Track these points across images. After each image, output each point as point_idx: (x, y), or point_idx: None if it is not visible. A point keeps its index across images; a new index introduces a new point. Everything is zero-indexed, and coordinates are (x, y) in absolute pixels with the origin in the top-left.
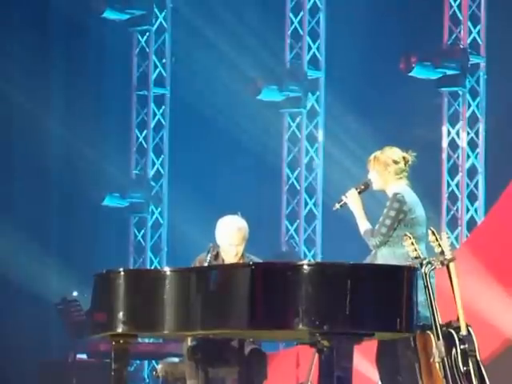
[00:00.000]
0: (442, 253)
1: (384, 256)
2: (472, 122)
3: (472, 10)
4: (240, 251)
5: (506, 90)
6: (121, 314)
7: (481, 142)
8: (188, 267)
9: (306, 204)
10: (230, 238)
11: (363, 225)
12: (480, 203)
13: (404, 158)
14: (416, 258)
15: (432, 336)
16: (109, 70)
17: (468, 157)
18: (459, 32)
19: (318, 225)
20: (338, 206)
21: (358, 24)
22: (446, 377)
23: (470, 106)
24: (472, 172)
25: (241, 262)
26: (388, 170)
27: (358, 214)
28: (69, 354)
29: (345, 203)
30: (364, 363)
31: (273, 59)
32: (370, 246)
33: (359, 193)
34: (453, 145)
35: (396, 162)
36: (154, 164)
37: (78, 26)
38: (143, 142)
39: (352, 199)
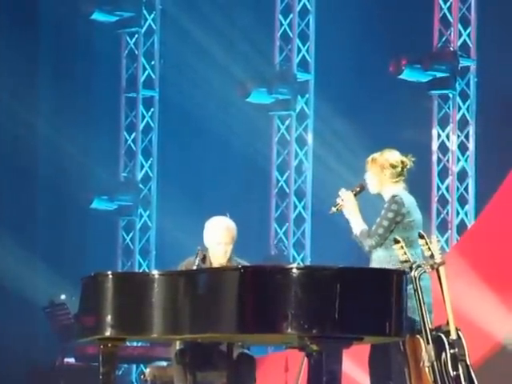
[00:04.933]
0: (432, 256)
1: (379, 258)
2: (462, 124)
3: (462, 13)
4: (228, 251)
5: (497, 93)
6: (109, 318)
7: (471, 145)
8: (177, 270)
9: (295, 207)
10: (219, 236)
11: (359, 225)
12: (470, 207)
13: (402, 162)
14: (405, 261)
15: (421, 340)
16: (97, 72)
17: (458, 160)
18: (449, 34)
19: (307, 228)
20: (334, 209)
21: (347, 26)
22: (435, 381)
23: (460, 108)
24: (462, 175)
25: (228, 264)
26: (384, 173)
27: (355, 215)
28: (56, 358)
29: (342, 206)
30: (353, 367)
31: (262, 61)
32: (366, 246)
33: (355, 195)
34: (443, 148)
35: (393, 166)
36: (142, 167)
37: (66, 27)
38: (132, 145)
39: (348, 201)
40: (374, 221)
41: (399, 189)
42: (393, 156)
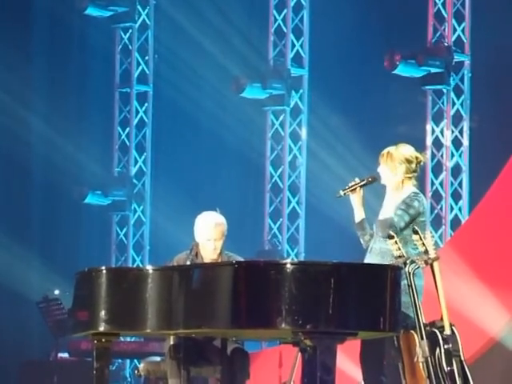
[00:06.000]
0: (426, 252)
1: (382, 251)
2: (456, 120)
3: (456, 8)
4: (218, 246)
5: (491, 88)
6: (103, 313)
7: (465, 140)
8: (171, 266)
9: (289, 202)
10: (209, 232)
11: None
12: (464, 202)
13: (417, 158)
14: (399, 257)
15: (416, 335)
16: (91, 67)
17: (452, 155)
18: (443, 30)
19: (301, 223)
20: (341, 193)
21: (341, 21)
22: (429, 377)
23: (454, 104)
24: (456, 171)
25: (219, 259)
26: (399, 168)
27: (357, 207)
28: (50, 353)
29: (351, 191)
30: (347, 362)
31: (256, 57)
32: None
33: (364, 185)
34: (437, 143)
35: (408, 161)
36: (136, 162)
37: (60, 22)
38: (126, 140)
39: (354, 193)
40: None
41: (412, 186)
42: (408, 151)
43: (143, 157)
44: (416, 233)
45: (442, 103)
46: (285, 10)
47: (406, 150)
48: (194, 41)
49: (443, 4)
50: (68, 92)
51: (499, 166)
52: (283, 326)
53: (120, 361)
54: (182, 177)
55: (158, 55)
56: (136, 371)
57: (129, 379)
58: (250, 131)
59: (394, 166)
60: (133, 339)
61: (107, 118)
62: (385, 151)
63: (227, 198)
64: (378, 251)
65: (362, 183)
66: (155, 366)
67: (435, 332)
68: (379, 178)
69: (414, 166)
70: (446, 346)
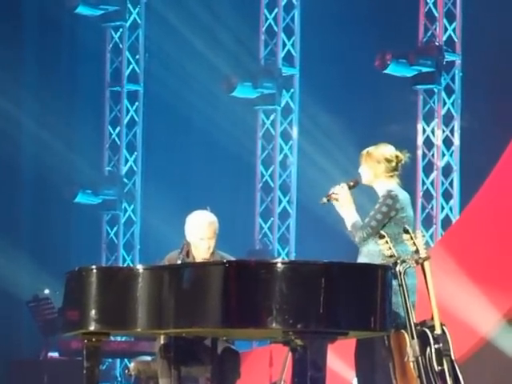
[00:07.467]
0: (417, 251)
1: (369, 252)
2: (447, 119)
3: (448, 7)
4: (212, 245)
5: (482, 88)
6: (93, 312)
7: (456, 140)
8: (161, 265)
9: (280, 202)
10: (202, 231)
11: (353, 218)
12: (455, 201)
13: (397, 157)
14: (390, 256)
15: (406, 335)
16: (82, 66)
17: (443, 155)
18: (435, 29)
19: (292, 223)
20: (324, 200)
21: (333, 21)
22: (420, 376)
23: (445, 103)
24: (447, 170)
25: (212, 258)
26: (378, 167)
27: (349, 209)
28: (40, 352)
29: (333, 197)
30: (337, 362)
31: (247, 56)
32: (357, 238)
33: (348, 189)
34: (428, 143)
35: (388, 160)
36: (126, 161)
37: (51, 21)
38: (116, 139)
39: (343, 196)
40: (368, 213)
41: (393, 184)
42: (388, 150)
43: (134, 156)
44: (407, 232)
45: (433, 103)
46: (276, 9)
47: (385, 150)
48: (185, 40)
49: (434, 3)
50: (58, 91)
51: (490, 165)
52: (274, 325)
53: (110, 360)
54: (172, 176)
55: (149, 54)
56: (126, 371)
57: (119, 379)
58: (241, 130)
59: (374, 165)
60: (123, 339)
61: (98, 117)
62: (364, 151)
63: (218, 198)
64: (367, 253)
65: (346, 187)
66: (146, 366)
67: (426, 331)
68: (361, 179)
69: (393, 164)
70: (436, 346)
